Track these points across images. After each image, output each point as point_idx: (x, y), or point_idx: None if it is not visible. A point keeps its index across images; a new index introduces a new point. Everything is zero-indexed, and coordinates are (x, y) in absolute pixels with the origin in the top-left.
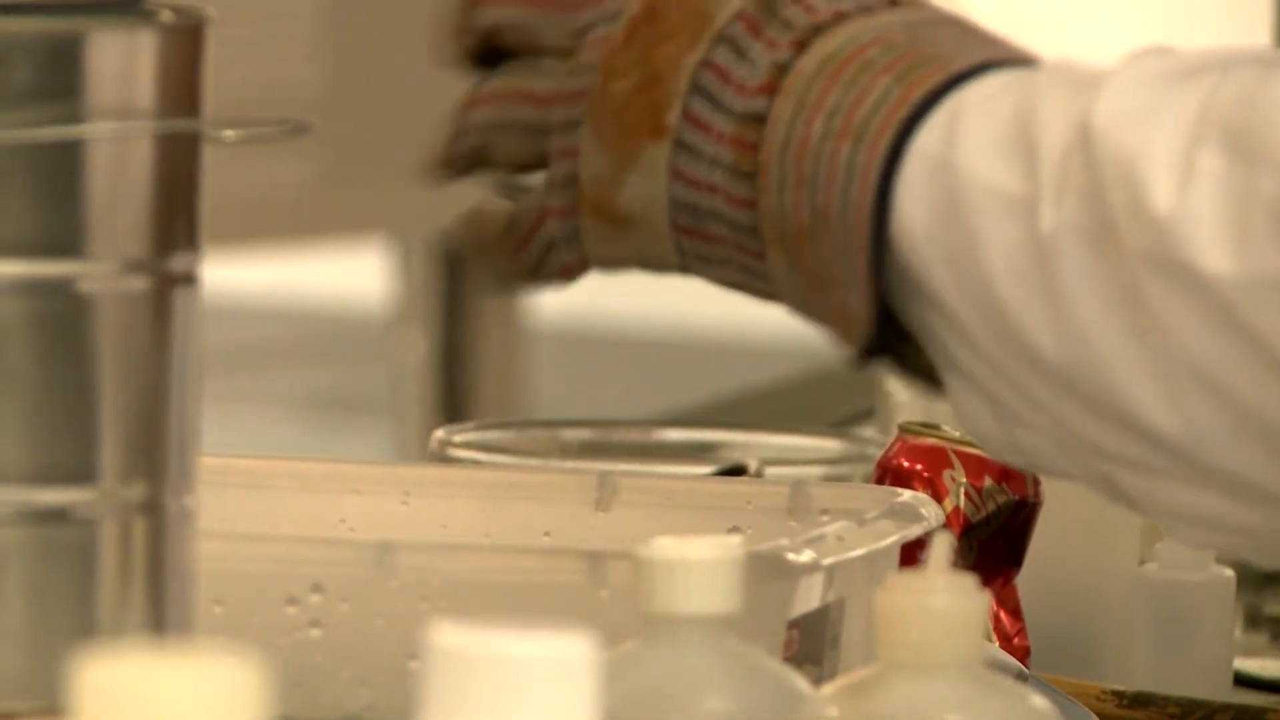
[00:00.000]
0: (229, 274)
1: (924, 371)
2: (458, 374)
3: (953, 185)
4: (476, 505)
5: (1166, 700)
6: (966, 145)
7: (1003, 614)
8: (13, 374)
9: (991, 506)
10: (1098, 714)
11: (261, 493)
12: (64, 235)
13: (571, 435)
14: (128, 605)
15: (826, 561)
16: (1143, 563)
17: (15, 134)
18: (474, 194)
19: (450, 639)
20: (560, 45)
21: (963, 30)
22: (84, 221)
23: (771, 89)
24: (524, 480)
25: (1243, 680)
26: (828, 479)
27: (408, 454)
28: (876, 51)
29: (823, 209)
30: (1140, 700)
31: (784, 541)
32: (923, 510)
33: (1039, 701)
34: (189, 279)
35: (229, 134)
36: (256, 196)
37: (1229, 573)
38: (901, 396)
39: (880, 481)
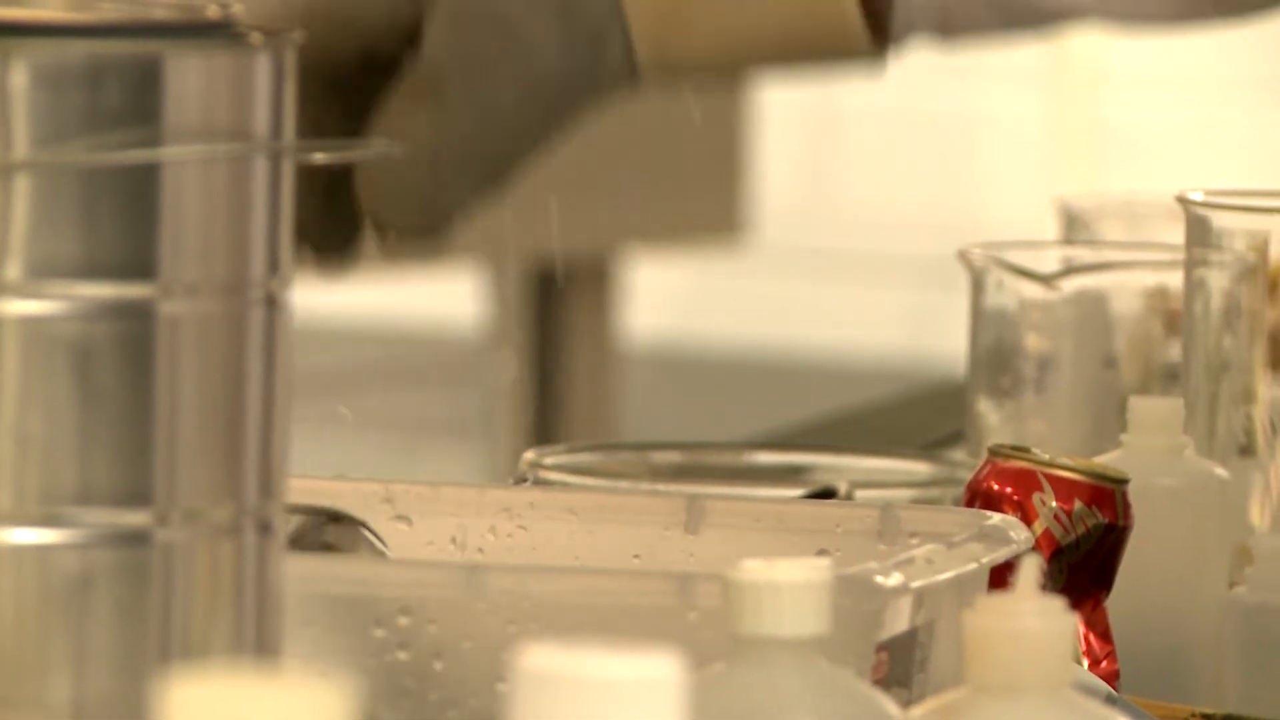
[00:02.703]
0: (323, 296)
1: None
2: (549, 396)
3: None
4: (566, 528)
5: None
6: None
7: (1092, 637)
8: (99, 396)
9: (1081, 530)
10: None
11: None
12: (150, 257)
13: (661, 458)
14: (214, 627)
15: (915, 584)
16: (1233, 586)
17: (104, 156)
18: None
19: (539, 661)
20: None
21: None
22: (170, 244)
23: None
24: (613, 503)
25: None
26: (917, 502)
27: (499, 476)
28: None
29: None
30: None
31: (873, 564)
32: (1012, 533)
33: None
34: (276, 301)
35: (317, 157)
36: None
37: None
38: (992, 419)
39: (969, 504)
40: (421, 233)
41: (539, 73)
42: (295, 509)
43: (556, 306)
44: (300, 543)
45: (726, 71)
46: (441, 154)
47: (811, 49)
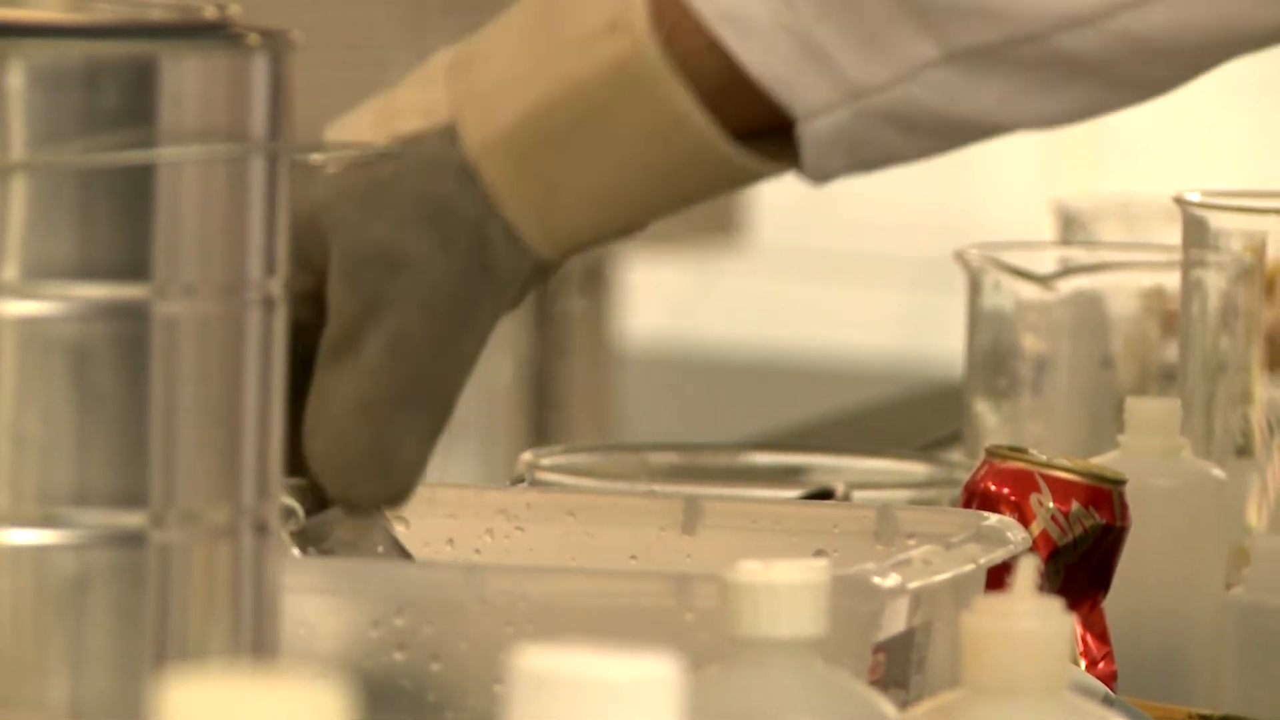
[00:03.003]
0: None
1: None
2: (546, 397)
3: None
4: (563, 529)
5: None
6: None
7: (1089, 638)
8: (96, 396)
9: (1078, 531)
10: None
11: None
12: (146, 258)
13: (658, 459)
14: (211, 627)
15: (912, 585)
16: (1230, 586)
17: (101, 157)
18: None
19: (536, 662)
20: None
21: None
22: (166, 245)
23: None
24: (611, 504)
25: None
26: (914, 502)
27: (496, 477)
28: None
29: None
30: None
31: (870, 565)
32: (1009, 534)
33: None
34: (273, 302)
35: (315, 157)
36: None
37: None
38: (989, 420)
39: (967, 505)
40: (392, 498)
41: (432, 289)
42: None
43: (553, 307)
44: (315, 536)
45: (625, 232)
46: (377, 405)
47: (690, 197)
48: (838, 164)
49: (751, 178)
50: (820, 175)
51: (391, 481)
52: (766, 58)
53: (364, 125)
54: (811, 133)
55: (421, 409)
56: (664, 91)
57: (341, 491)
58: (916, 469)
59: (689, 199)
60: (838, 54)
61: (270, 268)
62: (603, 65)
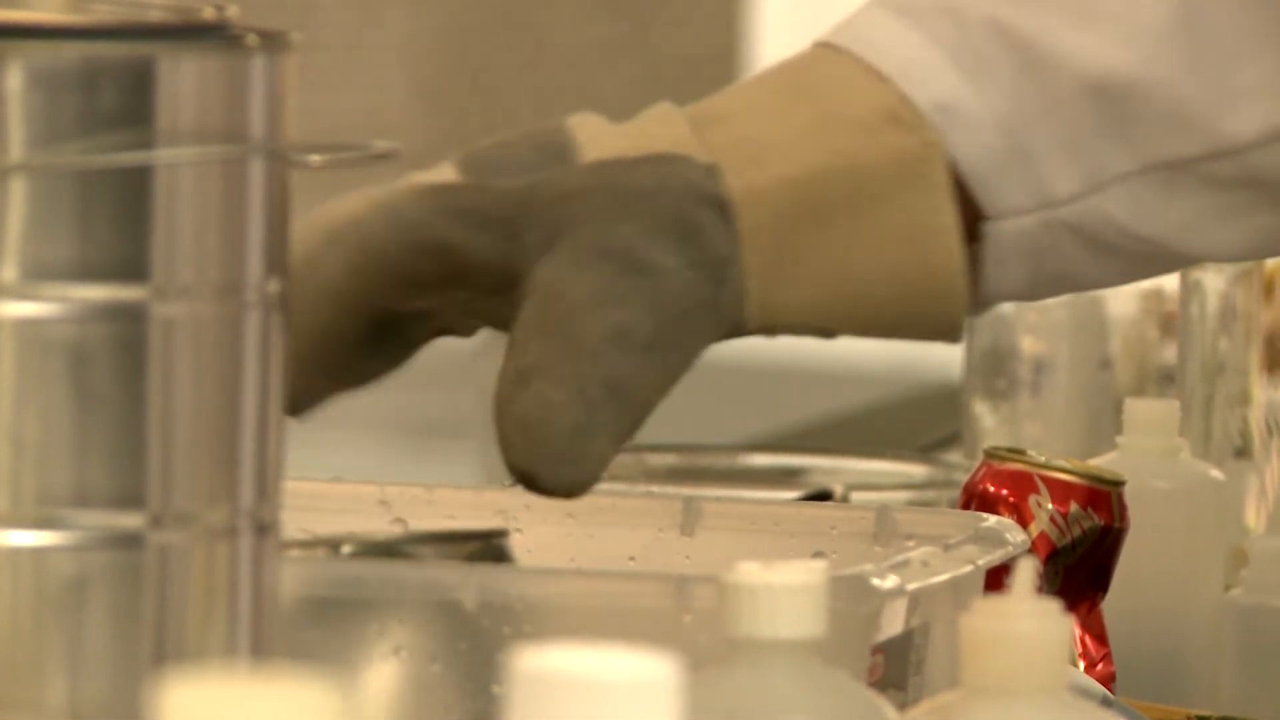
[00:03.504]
0: None
1: None
2: None
3: None
4: (562, 530)
5: None
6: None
7: (1088, 639)
8: (94, 398)
9: (1077, 532)
10: None
11: (349, 517)
12: (145, 259)
13: (657, 460)
14: (209, 629)
15: (911, 587)
16: (1228, 588)
17: (99, 158)
18: None
19: (535, 663)
20: None
21: None
22: (165, 246)
23: None
24: (609, 504)
25: None
26: (913, 504)
27: (496, 478)
28: None
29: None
30: None
31: (868, 566)
32: (1008, 535)
33: None
34: (272, 304)
35: (314, 159)
36: None
37: None
38: (988, 422)
39: (966, 506)
40: (576, 487)
41: (669, 299)
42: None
43: None
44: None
45: (821, 329)
46: (590, 390)
47: (911, 320)
48: (1016, 275)
49: (945, 319)
50: (997, 286)
51: (581, 469)
52: (975, 151)
53: (614, 138)
54: (998, 237)
55: (625, 406)
56: (939, 198)
57: (529, 466)
58: (915, 470)
59: (897, 319)
60: (1040, 157)
61: (269, 269)
62: (889, 153)
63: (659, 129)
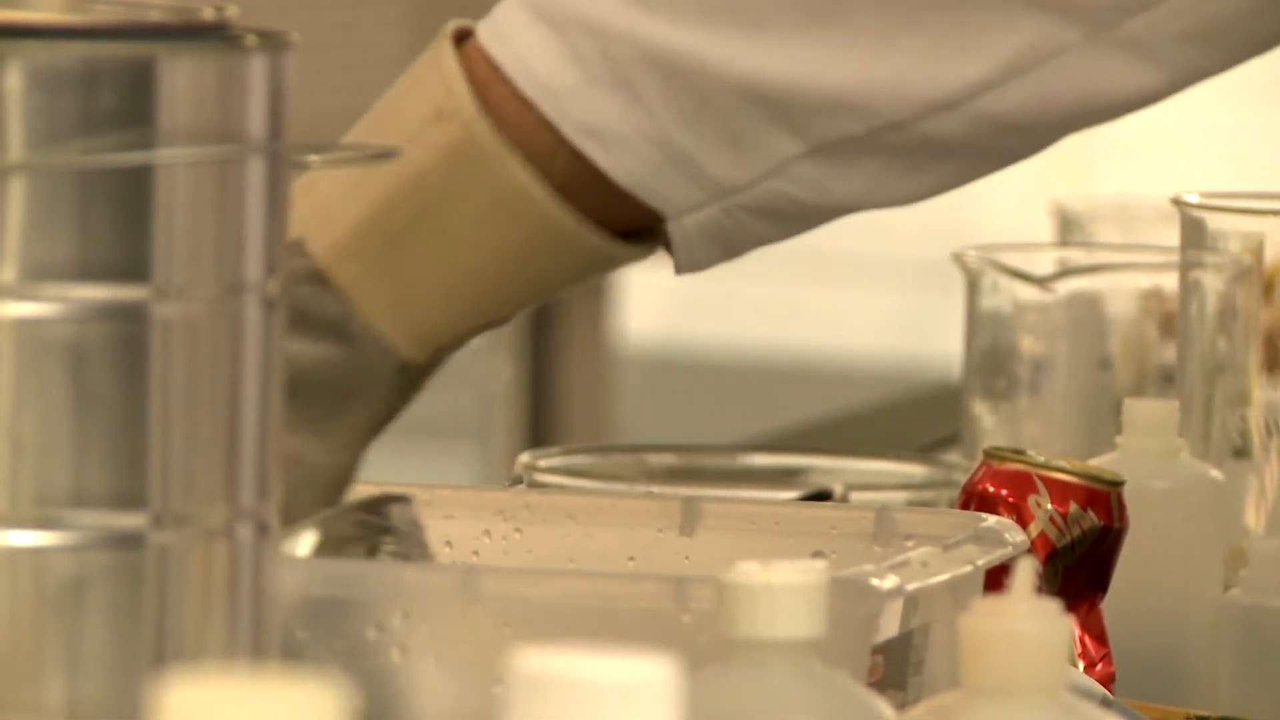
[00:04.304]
0: None
1: None
2: (544, 399)
3: None
4: (561, 530)
5: None
6: None
7: (1087, 639)
8: (94, 398)
9: (1076, 532)
10: None
11: None
12: (144, 260)
13: (656, 460)
14: (209, 629)
15: (910, 587)
16: (1228, 588)
17: (99, 159)
18: None
19: (534, 664)
20: None
21: None
22: (164, 246)
23: None
24: (609, 505)
25: None
26: (912, 504)
27: (494, 479)
28: None
29: None
30: None
31: (868, 567)
32: (1007, 535)
33: None
34: (270, 304)
35: (313, 159)
36: None
37: None
38: (987, 422)
39: (965, 507)
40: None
41: (300, 380)
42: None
43: (551, 308)
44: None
45: (488, 324)
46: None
47: (555, 277)
48: (708, 255)
49: (609, 260)
50: (692, 266)
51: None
52: (631, 166)
53: None
54: (681, 230)
55: (304, 490)
56: (501, 169)
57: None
58: (914, 470)
59: (545, 284)
60: (702, 157)
61: (268, 269)
62: (434, 152)
63: None
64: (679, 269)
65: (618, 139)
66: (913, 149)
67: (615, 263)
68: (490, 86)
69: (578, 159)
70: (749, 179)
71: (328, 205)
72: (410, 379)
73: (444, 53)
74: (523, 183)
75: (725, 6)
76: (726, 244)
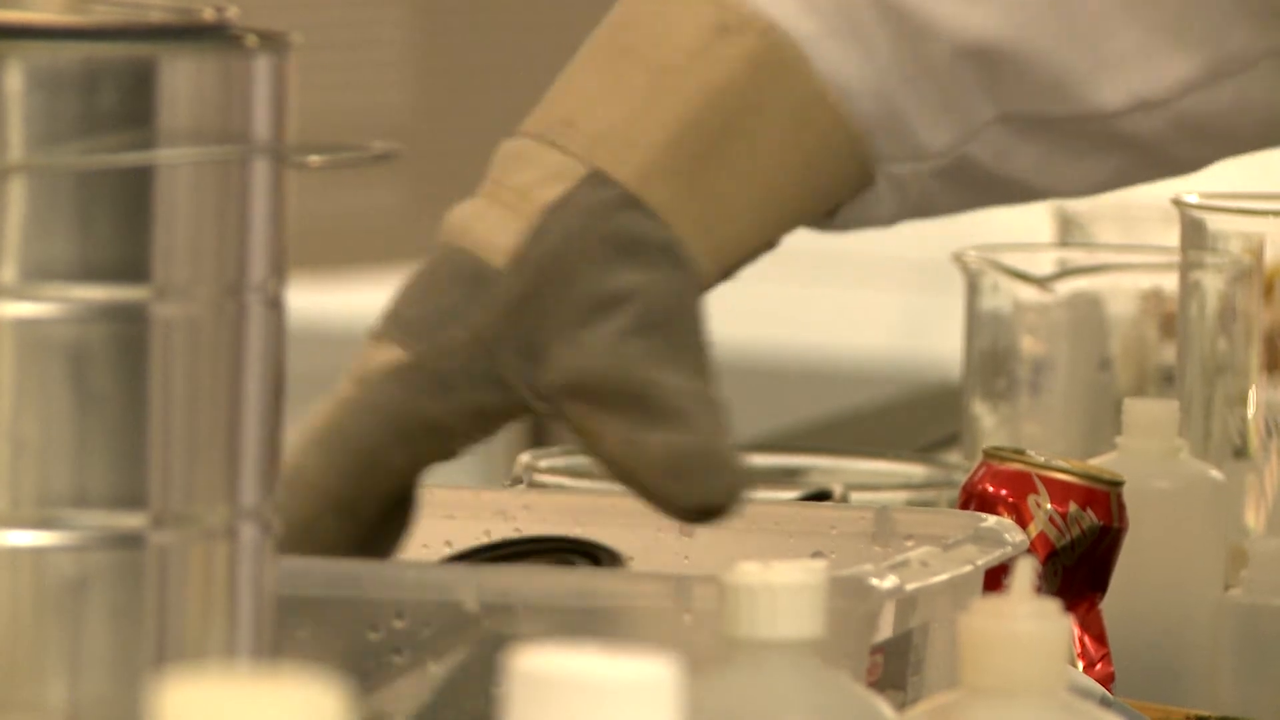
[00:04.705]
0: (317, 299)
1: None
2: None
3: None
4: (561, 530)
5: None
6: None
7: (1087, 639)
8: (94, 398)
9: (1076, 532)
10: None
11: None
12: (145, 260)
13: None
14: (209, 629)
15: (910, 587)
16: (1227, 588)
17: (99, 159)
18: None
19: (534, 663)
20: None
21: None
22: (165, 246)
23: None
24: (609, 505)
25: None
26: (912, 504)
27: (494, 479)
28: None
29: None
30: None
31: (868, 566)
32: (1007, 535)
33: None
34: (271, 303)
35: (314, 159)
36: (346, 222)
37: None
38: (987, 422)
39: (965, 506)
40: (741, 493)
41: (657, 311)
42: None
43: None
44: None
45: (770, 244)
46: (704, 397)
47: (835, 186)
48: (883, 208)
49: (856, 173)
50: (862, 215)
51: (731, 465)
52: (852, 118)
53: (492, 215)
54: (878, 176)
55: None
56: (803, 72)
57: (703, 501)
58: (914, 470)
59: (823, 201)
60: (916, 118)
61: (269, 268)
62: (734, 63)
63: (524, 176)
64: (850, 214)
65: (844, 88)
66: (1098, 139)
67: (863, 176)
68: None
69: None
70: (948, 144)
71: (619, 136)
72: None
73: None
74: (819, 88)
75: None
76: (903, 200)
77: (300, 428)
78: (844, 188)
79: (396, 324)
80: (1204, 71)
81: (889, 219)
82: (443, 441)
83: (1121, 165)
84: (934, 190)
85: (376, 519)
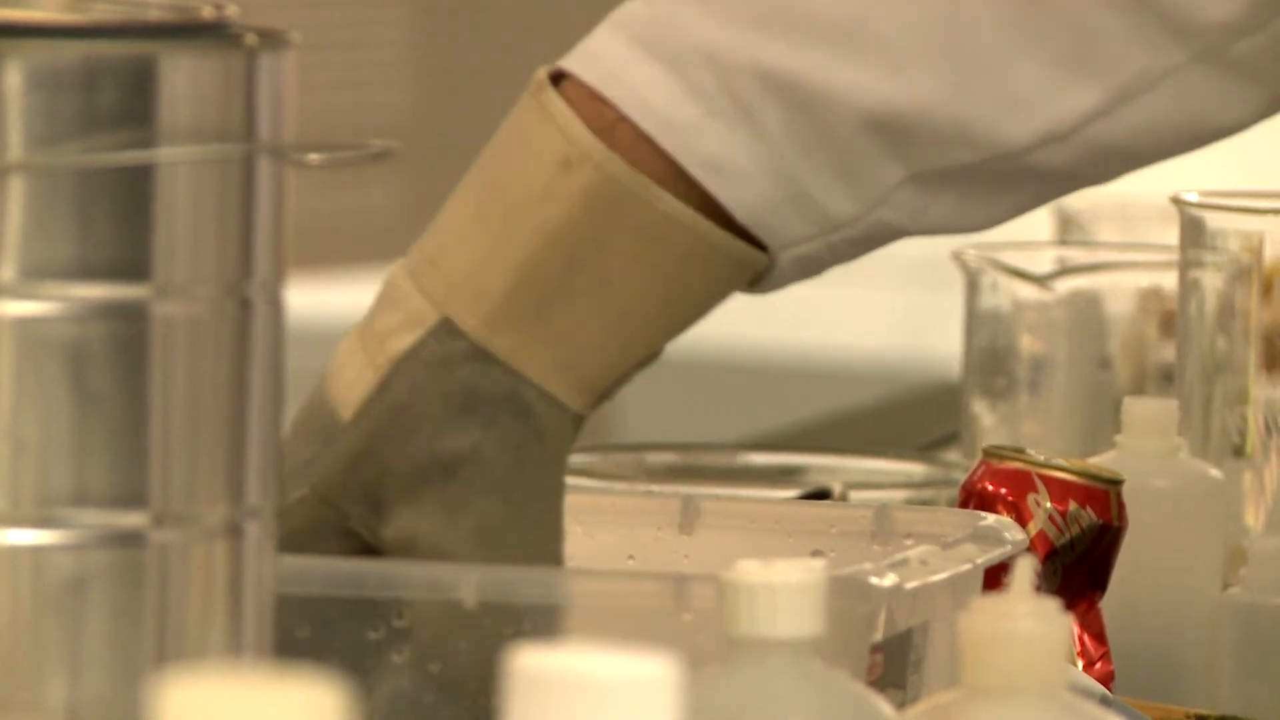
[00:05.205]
0: (318, 298)
1: None
2: None
3: None
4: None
5: None
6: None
7: (1086, 638)
8: (94, 397)
9: (1075, 530)
10: None
11: None
12: (144, 259)
13: (656, 459)
14: (209, 628)
15: (910, 585)
16: (1227, 587)
17: (99, 158)
18: None
19: (534, 662)
20: None
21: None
22: (164, 245)
23: None
24: (608, 504)
25: None
26: (912, 503)
27: None
28: None
29: None
30: None
31: (867, 565)
32: (1006, 534)
33: None
34: (271, 302)
35: (313, 158)
36: (345, 222)
37: None
38: (987, 420)
39: (964, 505)
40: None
41: (494, 473)
42: None
43: None
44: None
45: (644, 361)
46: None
47: (704, 297)
48: (790, 279)
49: (748, 268)
50: (773, 289)
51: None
52: (750, 201)
53: (354, 363)
54: (779, 261)
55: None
56: (644, 201)
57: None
58: (914, 469)
59: (696, 307)
60: (820, 191)
61: (268, 267)
62: (572, 201)
63: (389, 319)
64: (762, 288)
65: (739, 173)
66: (1009, 176)
67: (750, 270)
68: (614, 128)
69: (698, 193)
70: (858, 212)
71: (468, 283)
72: (576, 432)
73: (551, 102)
74: (668, 209)
75: (851, 32)
76: (815, 271)
77: None
78: (729, 285)
79: (290, 471)
80: (1107, 99)
81: (798, 282)
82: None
83: (1032, 193)
84: (848, 253)
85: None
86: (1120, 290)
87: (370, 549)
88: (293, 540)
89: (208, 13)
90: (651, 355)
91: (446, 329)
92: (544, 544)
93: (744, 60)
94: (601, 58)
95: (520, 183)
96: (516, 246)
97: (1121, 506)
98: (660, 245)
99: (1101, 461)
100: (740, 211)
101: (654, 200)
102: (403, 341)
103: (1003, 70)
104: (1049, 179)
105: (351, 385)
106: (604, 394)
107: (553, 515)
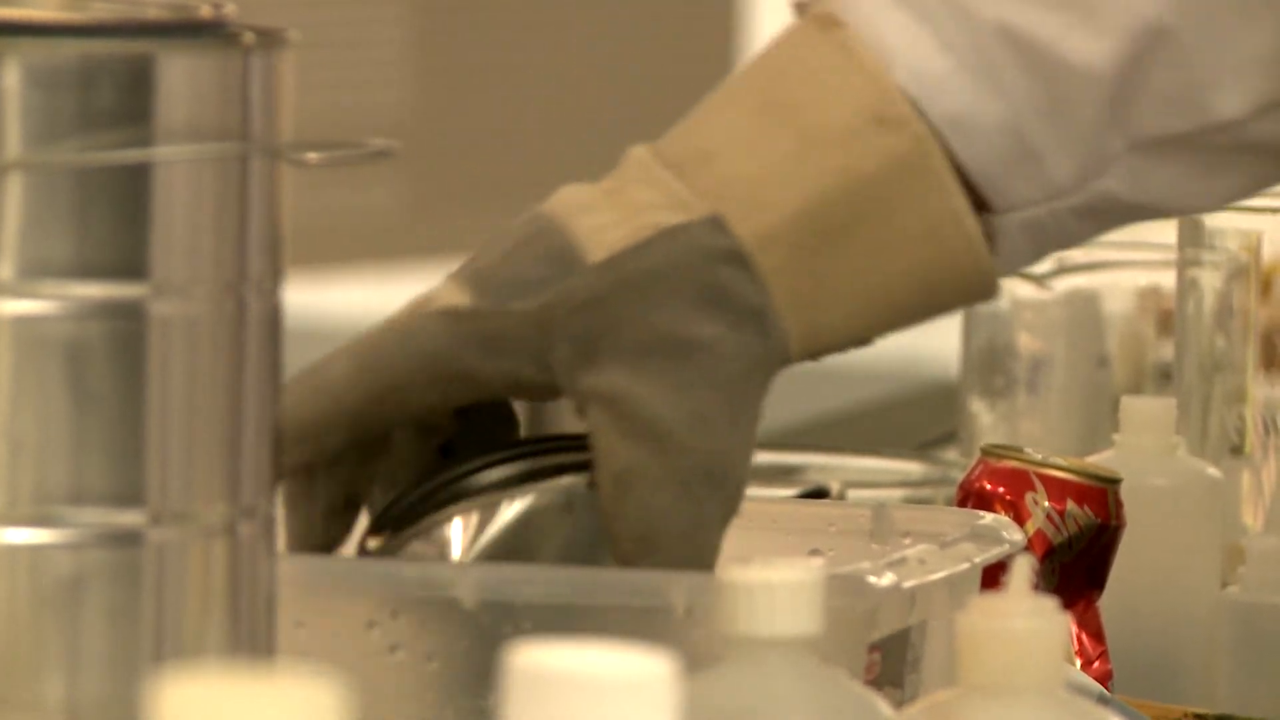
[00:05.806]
0: (316, 297)
1: None
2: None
3: None
4: None
5: None
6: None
7: (1084, 637)
8: (92, 396)
9: (1073, 529)
10: None
11: None
12: (142, 258)
13: None
14: (207, 627)
15: (908, 584)
16: (1225, 585)
17: (97, 156)
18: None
19: (533, 661)
20: None
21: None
22: (162, 244)
23: None
24: None
25: None
26: (910, 501)
27: None
28: None
29: None
30: None
31: (865, 564)
32: (1004, 533)
33: None
34: (269, 302)
35: (311, 157)
36: (344, 221)
37: None
38: (985, 419)
39: (962, 504)
40: (695, 564)
41: (728, 367)
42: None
43: None
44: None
45: (861, 341)
46: (694, 484)
47: (944, 304)
48: (1022, 253)
49: (979, 293)
50: (1003, 264)
51: (703, 562)
52: (986, 158)
53: (602, 212)
54: (1004, 224)
55: (725, 489)
56: (945, 188)
57: (649, 560)
58: (912, 468)
59: (930, 311)
60: (1048, 154)
61: (266, 266)
62: (884, 159)
63: (647, 194)
64: (999, 266)
65: (978, 129)
66: (1231, 150)
67: (982, 295)
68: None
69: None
70: (1080, 179)
71: (749, 190)
72: (773, 378)
73: (854, 43)
74: (958, 207)
75: None
76: (1042, 241)
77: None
78: (962, 302)
79: (474, 272)
80: None
81: (1028, 260)
82: (470, 392)
83: (1249, 171)
84: (1071, 225)
85: (379, 447)
86: (1118, 289)
87: (553, 387)
88: (497, 348)
89: (206, 12)
90: (865, 341)
91: (715, 224)
92: (745, 448)
93: (992, 17)
94: (858, 5)
95: (818, 116)
96: (809, 179)
97: (1119, 505)
98: (937, 240)
99: (1099, 460)
100: (974, 166)
101: (949, 194)
102: (666, 217)
103: (1226, 36)
104: (1269, 155)
105: (601, 230)
106: (813, 355)
107: (753, 433)
